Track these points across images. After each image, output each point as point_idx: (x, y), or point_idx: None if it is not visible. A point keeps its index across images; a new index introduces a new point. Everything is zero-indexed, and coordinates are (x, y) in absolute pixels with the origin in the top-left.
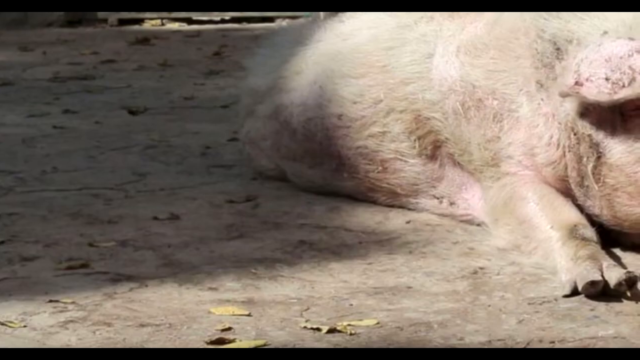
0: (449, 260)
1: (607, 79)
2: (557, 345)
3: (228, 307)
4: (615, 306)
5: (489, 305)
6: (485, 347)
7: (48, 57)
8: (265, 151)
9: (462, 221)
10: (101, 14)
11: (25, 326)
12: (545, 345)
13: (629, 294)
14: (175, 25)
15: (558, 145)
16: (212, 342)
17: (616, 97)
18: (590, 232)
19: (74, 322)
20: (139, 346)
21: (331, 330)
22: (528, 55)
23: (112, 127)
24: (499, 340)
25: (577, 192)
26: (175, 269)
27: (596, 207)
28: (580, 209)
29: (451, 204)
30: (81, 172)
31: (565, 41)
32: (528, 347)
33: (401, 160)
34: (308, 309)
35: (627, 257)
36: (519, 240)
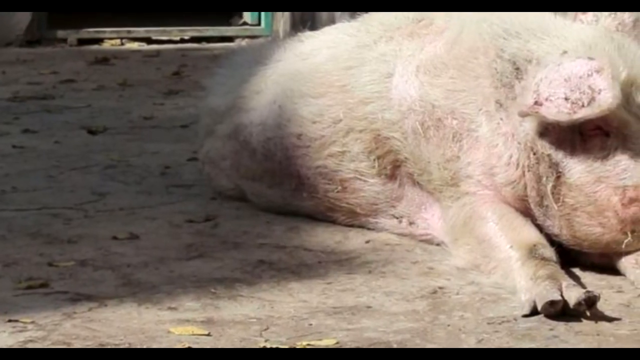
0: (408, 279)
1: (566, 99)
2: None
3: (187, 327)
4: (575, 326)
5: (449, 325)
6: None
7: (7, 76)
8: (224, 171)
9: (421, 241)
10: (60, 34)
11: None
12: None
13: (588, 313)
14: (134, 45)
15: (517, 164)
16: None
17: (575, 116)
18: (549, 252)
19: (34, 342)
20: None
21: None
22: (487, 74)
23: (71, 147)
24: None
25: (537, 211)
26: (134, 289)
27: (555, 226)
28: (540, 228)
29: (410, 223)
30: (41, 192)
31: (524, 61)
32: None
33: (360, 179)
34: (267, 328)
35: (587, 277)
36: (479, 260)
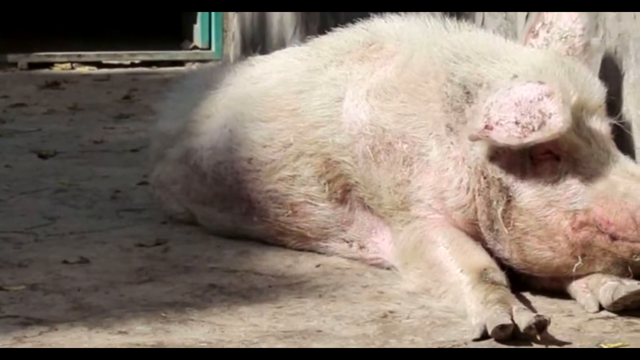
0: (358, 303)
1: (517, 123)
2: None
3: None
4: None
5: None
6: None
7: None
8: (175, 195)
9: (372, 265)
10: (11, 58)
11: None
12: None
13: (538, 337)
14: (85, 69)
15: (468, 188)
16: None
17: (526, 140)
18: (500, 276)
19: None
20: None
21: None
22: (438, 98)
23: (22, 171)
24: None
25: (487, 235)
26: (85, 313)
27: (506, 250)
28: (490, 252)
29: (361, 247)
30: None
31: (475, 85)
32: None
33: (311, 204)
34: None
35: (537, 301)
36: (429, 284)
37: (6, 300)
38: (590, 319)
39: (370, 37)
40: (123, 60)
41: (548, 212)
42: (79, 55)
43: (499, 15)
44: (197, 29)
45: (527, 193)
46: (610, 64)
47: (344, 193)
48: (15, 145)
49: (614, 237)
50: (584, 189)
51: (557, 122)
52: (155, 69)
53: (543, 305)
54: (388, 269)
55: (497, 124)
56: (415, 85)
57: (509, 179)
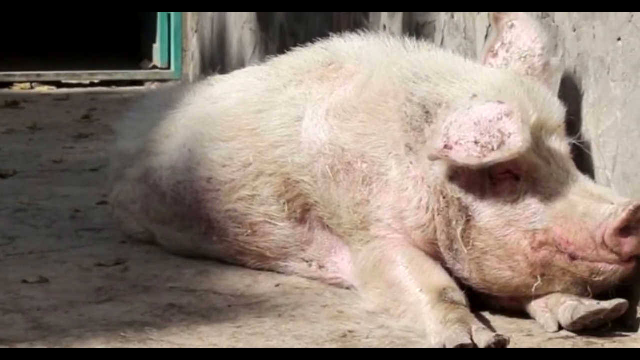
0: (318, 323)
1: (476, 143)
2: None
3: None
4: None
5: None
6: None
7: None
8: (134, 215)
9: (331, 284)
10: None
11: None
12: None
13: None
14: (44, 89)
15: (427, 208)
16: None
17: (485, 160)
18: (459, 296)
19: None
20: None
21: None
22: (397, 118)
23: None
24: None
25: (447, 255)
26: (44, 332)
27: (465, 270)
28: (450, 272)
29: (320, 267)
30: None
31: (434, 104)
32: None
33: (270, 223)
34: None
35: (497, 321)
36: (388, 304)
37: None
38: (550, 339)
39: (330, 56)
40: (82, 79)
41: (507, 232)
42: (38, 75)
43: (458, 35)
44: (157, 48)
45: (487, 213)
46: (569, 83)
47: (303, 213)
48: None
49: (573, 257)
50: (543, 208)
51: (516, 142)
52: (114, 88)
53: (502, 324)
54: (347, 288)
55: (456, 143)
56: (375, 105)
57: (468, 199)
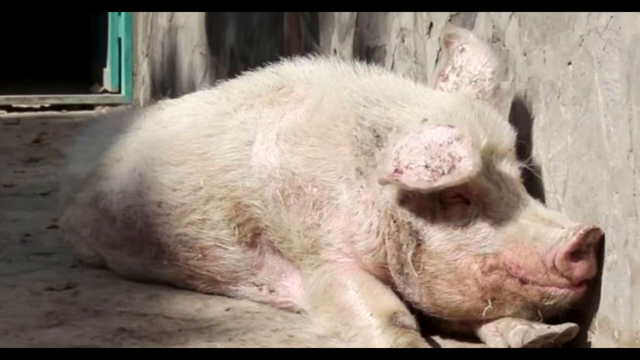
0: (268, 347)
1: (426, 167)
2: None
3: None
4: None
5: None
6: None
7: None
8: (85, 239)
9: (282, 308)
10: None
11: None
12: None
13: None
14: None
15: (378, 232)
16: None
17: (436, 184)
18: (409, 320)
19: None
20: None
21: None
22: (348, 142)
23: None
24: None
25: (397, 279)
26: None
27: (416, 294)
28: (400, 296)
29: (271, 291)
30: None
31: (384, 128)
32: None
33: (221, 247)
34: None
35: (447, 345)
36: (339, 328)
37: None
38: None
39: (280, 80)
40: (33, 103)
41: (458, 256)
42: None
43: (409, 59)
44: (107, 72)
45: (437, 237)
46: (520, 107)
47: (253, 237)
48: None
49: (523, 281)
50: (493, 232)
51: (466, 166)
52: (65, 112)
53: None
54: (298, 312)
55: (407, 167)
56: (325, 129)
57: (418, 223)
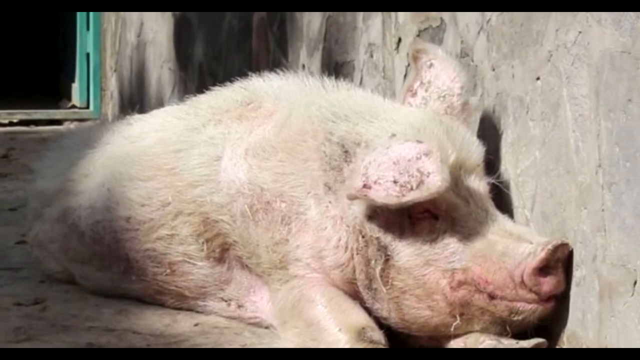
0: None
1: (395, 182)
2: None
3: None
4: None
5: None
6: None
7: None
8: (53, 254)
9: (250, 324)
10: None
11: None
12: None
13: None
14: None
15: (346, 247)
16: None
17: (404, 199)
18: (378, 335)
19: None
20: None
21: None
22: (316, 157)
23: None
24: None
25: (366, 294)
26: None
27: (384, 309)
28: (369, 311)
29: (239, 306)
30: None
31: (353, 144)
32: None
33: (189, 263)
34: None
35: None
36: (307, 343)
37: None
38: None
39: (249, 96)
40: (1, 119)
41: (426, 271)
42: None
43: (377, 74)
44: (76, 88)
45: (405, 252)
46: (488, 123)
47: (222, 252)
48: None
49: (492, 296)
50: (462, 248)
51: (435, 181)
52: (33, 128)
53: None
54: (266, 327)
55: (375, 182)
56: (294, 144)
57: (387, 238)
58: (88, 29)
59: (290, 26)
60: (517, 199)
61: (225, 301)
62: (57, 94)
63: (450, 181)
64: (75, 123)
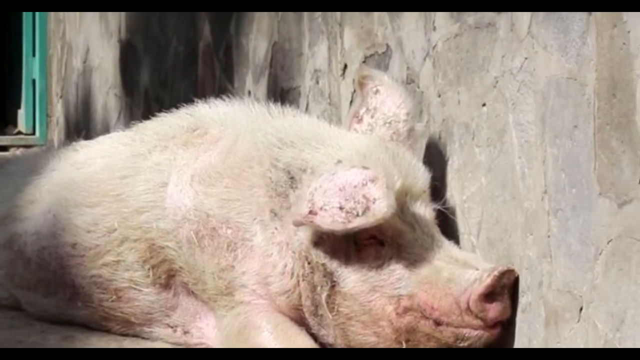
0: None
1: (341, 208)
2: None
3: None
4: None
5: None
6: None
7: None
8: None
9: None
10: None
11: None
12: None
13: None
14: None
15: (292, 274)
16: None
17: (350, 226)
18: None
19: None
20: None
21: None
22: (262, 184)
23: None
24: None
25: (312, 320)
26: None
27: (330, 335)
28: (315, 337)
29: (185, 332)
30: None
31: (299, 170)
32: None
33: (135, 289)
34: None
35: None
36: None
37: None
38: None
39: (195, 122)
40: None
41: (372, 297)
42: None
43: (323, 101)
44: (21, 114)
45: (351, 278)
46: (434, 149)
47: (168, 278)
48: None
49: (438, 323)
50: (408, 274)
51: (381, 208)
52: None
53: None
54: None
55: (321, 209)
56: (240, 171)
57: (333, 264)
58: (34, 55)
59: (236, 52)
60: (463, 225)
61: (172, 327)
62: (3, 120)
63: (396, 207)
64: (21, 149)
